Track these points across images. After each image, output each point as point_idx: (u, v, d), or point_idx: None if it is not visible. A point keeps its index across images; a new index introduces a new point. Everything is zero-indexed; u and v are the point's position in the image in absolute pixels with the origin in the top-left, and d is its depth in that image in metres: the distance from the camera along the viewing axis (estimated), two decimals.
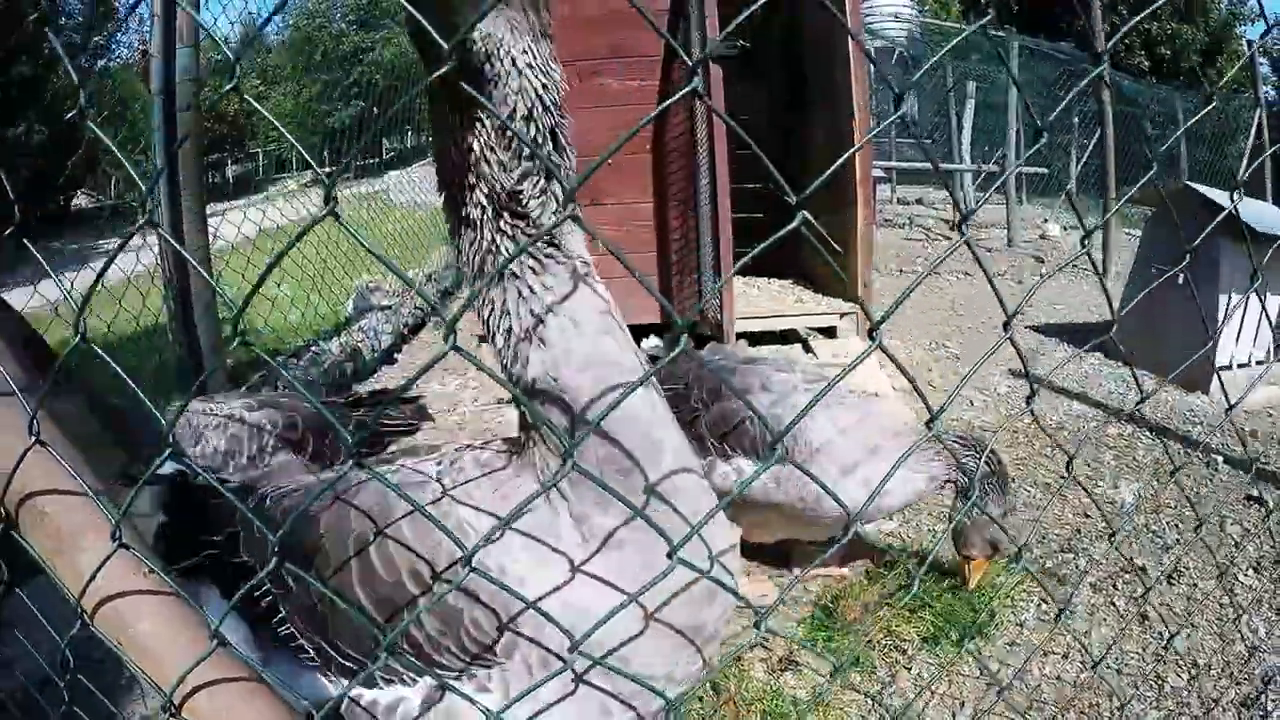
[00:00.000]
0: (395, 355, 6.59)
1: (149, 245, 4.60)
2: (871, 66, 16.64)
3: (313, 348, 5.88)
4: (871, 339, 0.84)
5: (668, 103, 0.86)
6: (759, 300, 5.63)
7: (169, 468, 1.52)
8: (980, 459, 2.56)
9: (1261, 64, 18.56)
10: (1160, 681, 2.46)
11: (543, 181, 1.07)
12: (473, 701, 1.00)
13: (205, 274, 3.45)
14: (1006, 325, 0.97)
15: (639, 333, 4.90)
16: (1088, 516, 3.47)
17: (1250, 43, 14.43)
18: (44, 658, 1.53)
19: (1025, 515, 3.50)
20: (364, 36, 31.46)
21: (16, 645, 1.89)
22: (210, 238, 4.60)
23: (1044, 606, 2.82)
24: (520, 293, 1.09)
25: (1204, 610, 2.82)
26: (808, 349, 5.22)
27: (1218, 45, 22.86)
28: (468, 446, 1.34)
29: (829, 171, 0.85)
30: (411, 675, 1.23)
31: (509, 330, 1.11)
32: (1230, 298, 5.09)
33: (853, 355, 5.04)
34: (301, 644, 1.27)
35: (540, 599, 1.08)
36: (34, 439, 0.93)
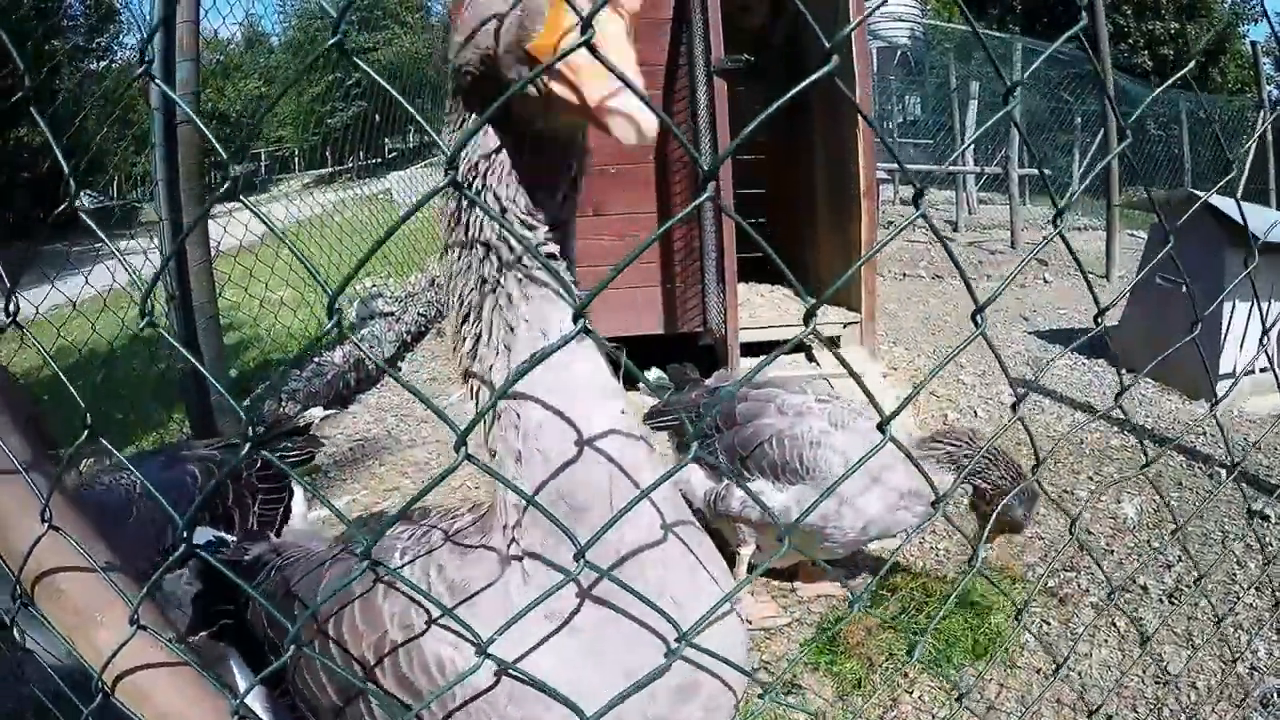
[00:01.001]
0: (399, 364, 6.60)
1: (149, 253, 4.61)
2: (875, 64, 16.66)
3: (316, 359, 5.90)
4: (881, 432, 0.85)
5: (681, 214, 0.86)
6: (762, 309, 5.63)
7: (208, 535, 1.56)
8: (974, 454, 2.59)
9: (1265, 63, 18.49)
10: (1159, 705, 2.46)
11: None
12: None
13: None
14: (1014, 407, 0.97)
15: (640, 343, 4.90)
16: (1090, 534, 3.47)
17: (1255, 44, 14.39)
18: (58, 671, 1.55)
19: (1028, 532, 3.50)
20: (367, 37, 31.44)
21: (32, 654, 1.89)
22: (212, 250, 4.63)
23: (1045, 627, 2.82)
24: (499, 302, 1.02)
25: (1204, 629, 2.82)
26: (811, 359, 5.23)
27: (1220, 44, 22.83)
28: (449, 512, 1.27)
29: (846, 276, 0.86)
30: None
31: (478, 336, 1.03)
32: (1234, 306, 5.08)
33: (855, 364, 5.05)
34: (305, 715, 1.24)
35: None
36: (47, 525, 0.95)
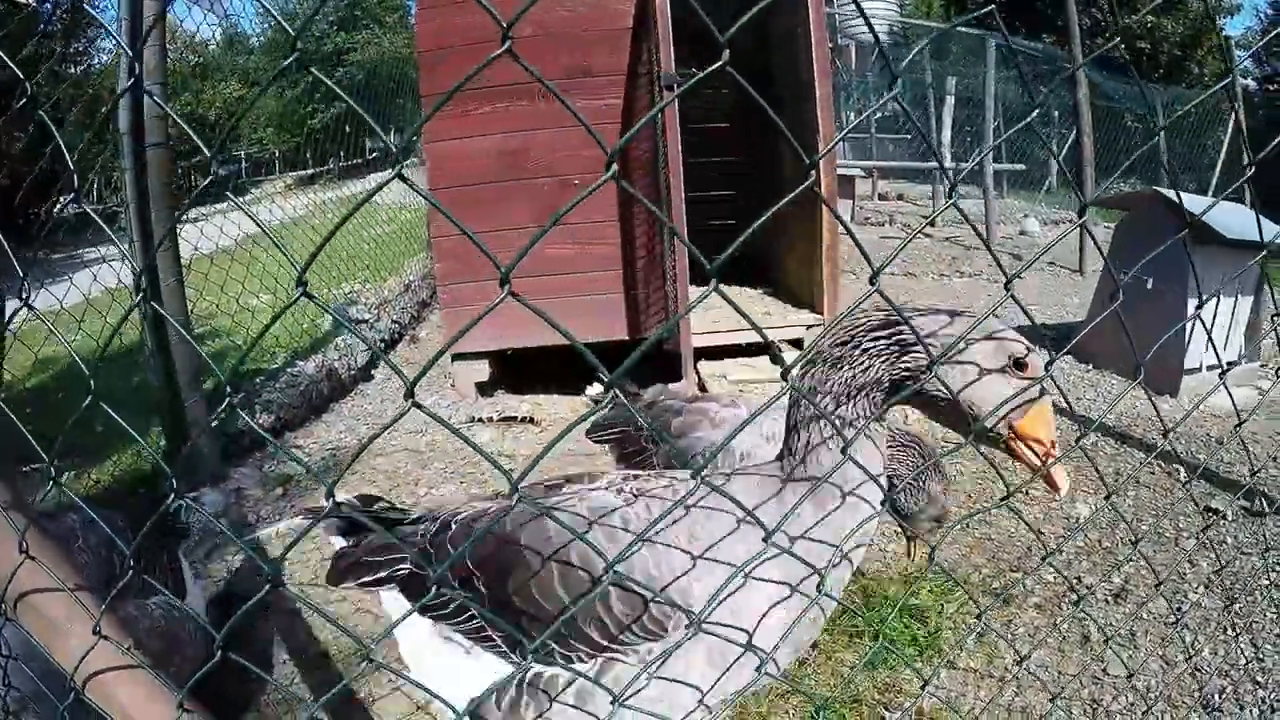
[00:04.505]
0: (372, 371, 6.61)
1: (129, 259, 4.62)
2: (854, 61, 16.70)
3: (289, 369, 5.91)
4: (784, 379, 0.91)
5: (579, 197, 0.90)
6: (723, 314, 5.66)
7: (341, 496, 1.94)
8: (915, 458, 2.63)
9: (1240, 55, 18.58)
10: (1096, 705, 2.52)
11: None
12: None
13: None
14: (929, 367, 1.05)
15: (605, 349, 4.94)
16: (1041, 534, 3.52)
17: (1228, 38, 14.50)
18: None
19: (978, 533, 3.55)
20: (346, 37, 31.34)
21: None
22: (187, 256, 4.67)
23: (983, 629, 2.87)
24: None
25: (1149, 631, 2.88)
26: (775, 361, 5.26)
27: (1195, 38, 22.96)
28: (631, 477, 1.73)
29: (737, 243, 0.92)
30: (585, 653, 1.53)
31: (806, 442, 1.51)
32: (1201, 301, 5.14)
33: None
34: (488, 634, 1.64)
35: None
36: (24, 555, 1.19)
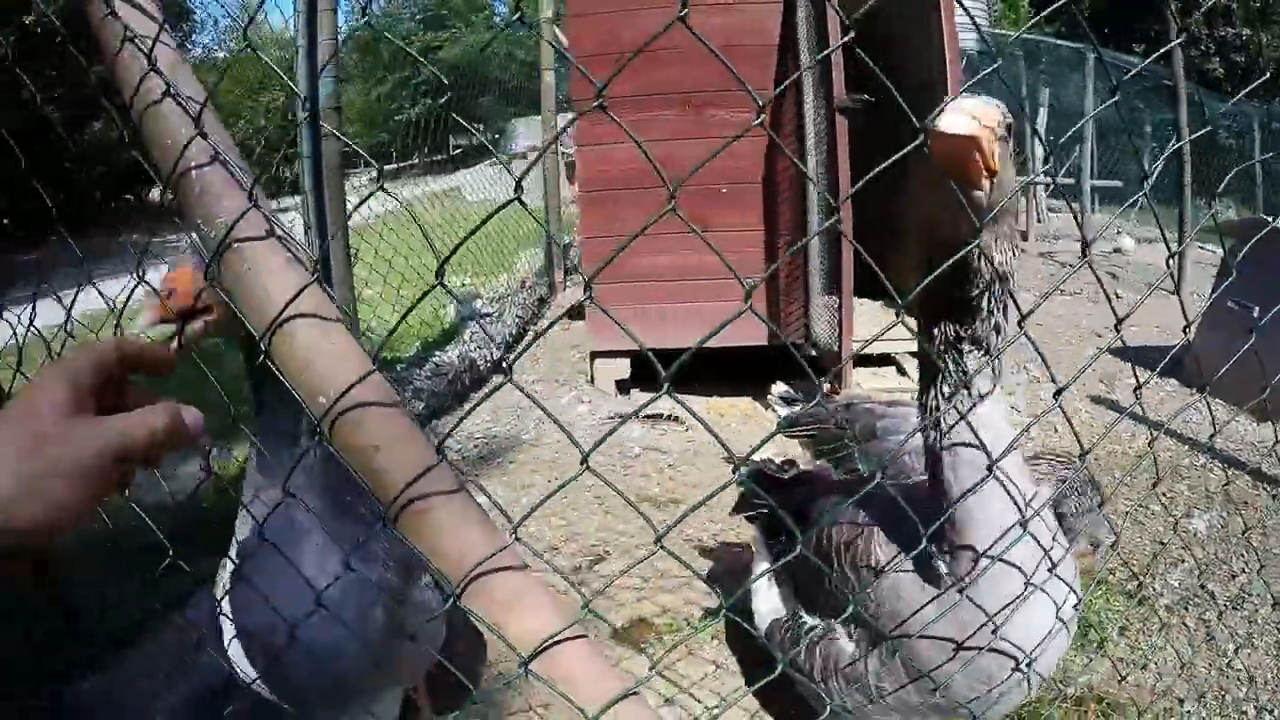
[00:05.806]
0: (503, 364, 6.98)
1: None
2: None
3: (432, 359, 6.34)
4: (1055, 398, 1.24)
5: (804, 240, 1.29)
6: (857, 323, 5.95)
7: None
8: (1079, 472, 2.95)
9: None
10: (1224, 693, 2.88)
11: (990, 330, 1.57)
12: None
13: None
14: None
15: (741, 353, 5.28)
16: (1163, 544, 3.86)
17: None
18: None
19: (1108, 542, 3.89)
20: (433, 35, 31.99)
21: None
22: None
23: (1124, 624, 3.24)
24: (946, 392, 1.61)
25: (1263, 633, 3.22)
26: (902, 372, 5.60)
27: None
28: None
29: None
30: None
31: (936, 399, 1.63)
32: None
33: None
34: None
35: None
36: (440, 458, 1.01)
